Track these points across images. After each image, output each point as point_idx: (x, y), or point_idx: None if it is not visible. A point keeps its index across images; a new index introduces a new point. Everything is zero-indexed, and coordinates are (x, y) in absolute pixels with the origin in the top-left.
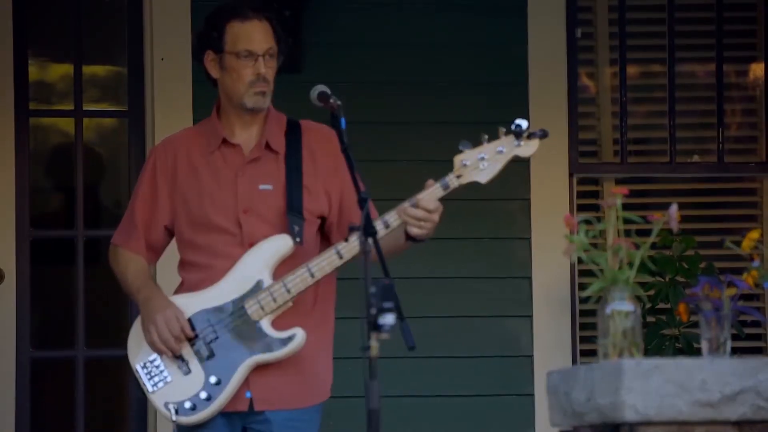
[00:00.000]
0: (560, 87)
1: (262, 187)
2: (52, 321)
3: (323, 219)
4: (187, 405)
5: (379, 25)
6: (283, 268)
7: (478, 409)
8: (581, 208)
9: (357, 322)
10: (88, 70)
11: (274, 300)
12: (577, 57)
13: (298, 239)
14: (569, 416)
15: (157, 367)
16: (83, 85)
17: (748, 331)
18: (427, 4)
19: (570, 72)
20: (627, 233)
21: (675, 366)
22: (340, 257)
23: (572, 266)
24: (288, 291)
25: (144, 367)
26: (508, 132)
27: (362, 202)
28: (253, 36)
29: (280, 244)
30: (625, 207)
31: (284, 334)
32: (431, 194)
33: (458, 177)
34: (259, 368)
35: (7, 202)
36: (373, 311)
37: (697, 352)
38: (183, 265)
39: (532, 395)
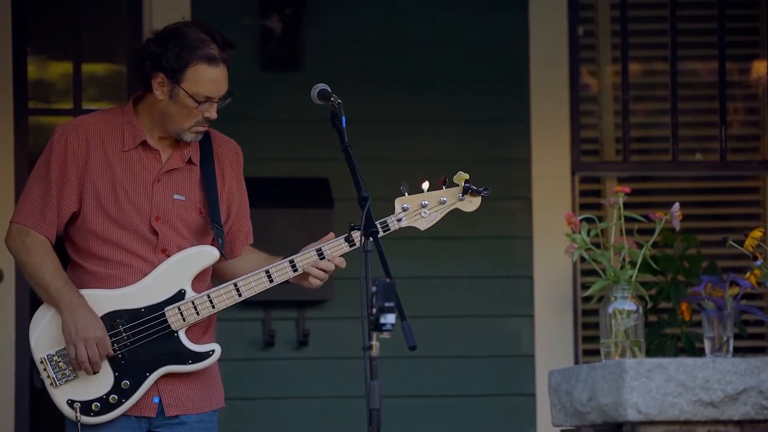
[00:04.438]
0: (562, 85)
1: (176, 197)
2: None
3: None
4: (94, 406)
5: (379, 23)
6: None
7: (479, 409)
8: (583, 206)
9: (357, 321)
10: (87, 68)
11: (198, 312)
12: (578, 55)
13: (223, 252)
14: (571, 416)
15: (66, 361)
16: (82, 84)
17: (750, 330)
18: (428, 2)
19: (571, 70)
20: (629, 232)
21: (677, 365)
22: (271, 281)
23: (574, 265)
24: (213, 306)
25: (50, 359)
26: (450, 184)
27: (363, 201)
28: (216, 83)
29: (207, 256)
30: (627, 206)
31: (203, 348)
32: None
33: (398, 221)
34: (168, 375)
35: (6, 202)
36: (374, 311)
37: (699, 352)
38: (88, 255)
39: (534, 395)
